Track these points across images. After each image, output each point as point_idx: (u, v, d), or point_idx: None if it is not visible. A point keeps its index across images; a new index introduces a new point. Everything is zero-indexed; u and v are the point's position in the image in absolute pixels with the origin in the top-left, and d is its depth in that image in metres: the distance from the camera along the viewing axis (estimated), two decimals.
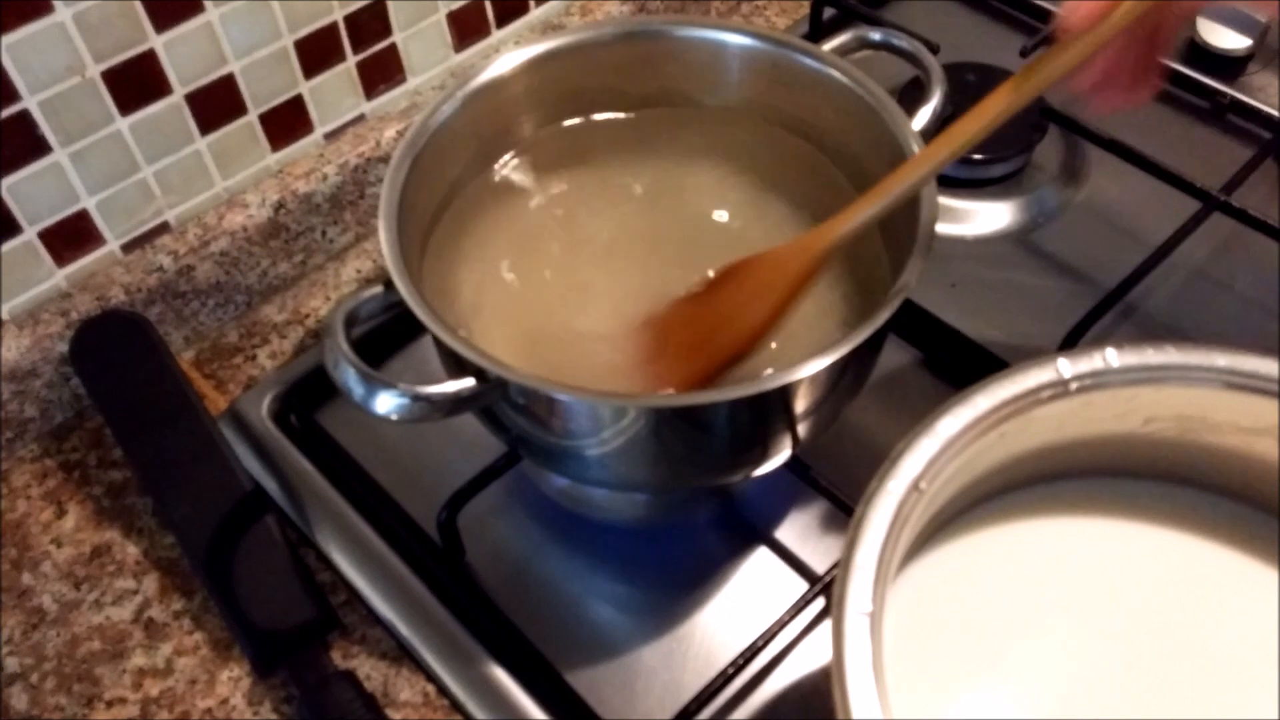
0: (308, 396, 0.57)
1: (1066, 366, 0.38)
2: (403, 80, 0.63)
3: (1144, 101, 0.41)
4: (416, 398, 0.40)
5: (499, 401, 0.43)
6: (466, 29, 0.64)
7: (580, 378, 0.47)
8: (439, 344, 0.43)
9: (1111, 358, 0.38)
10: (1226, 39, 0.68)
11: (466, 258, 0.51)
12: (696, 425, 0.43)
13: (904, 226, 0.46)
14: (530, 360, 0.47)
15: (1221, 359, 0.38)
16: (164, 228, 0.57)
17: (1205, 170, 0.61)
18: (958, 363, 0.56)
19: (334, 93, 0.60)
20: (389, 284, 0.43)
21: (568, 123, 0.54)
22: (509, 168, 0.53)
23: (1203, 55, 0.69)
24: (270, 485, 0.53)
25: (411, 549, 0.51)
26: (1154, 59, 0.40)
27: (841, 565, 0.34)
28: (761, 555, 0.51)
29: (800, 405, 0.43)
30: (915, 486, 0.36)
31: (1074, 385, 0.38)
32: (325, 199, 0.61)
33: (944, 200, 0.63)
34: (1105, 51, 0.38)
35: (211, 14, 0.53)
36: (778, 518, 0.52)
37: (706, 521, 0.53)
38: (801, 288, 0.44)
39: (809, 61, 0.50)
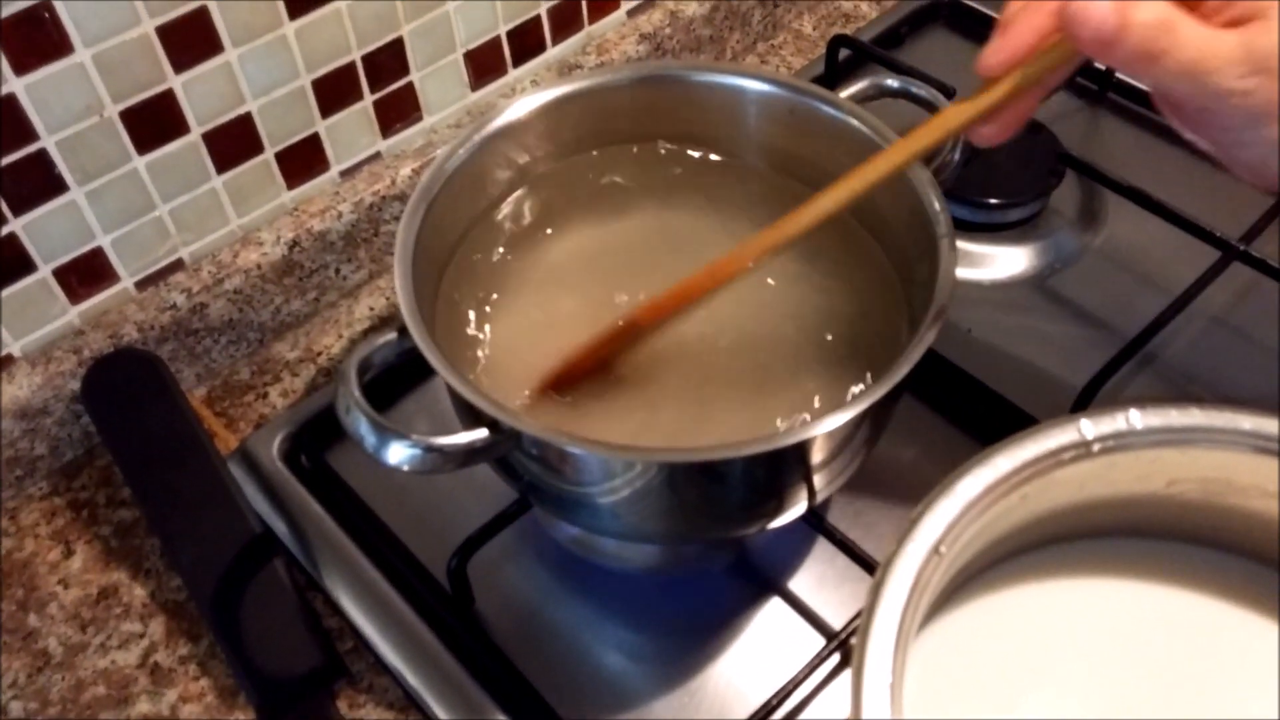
0: (319, 436, 0.56)
1: (1089, 427, 0.38)
2: (419, 118, 0.63)
3: (1004, 140, 0.42)
4: (429, 449, 0.40)
5: (513, 451, 0.42)
6: (483, 68, 0.64)
7: (595, 419, 0.46)
8: (452, 392, 0.43)
9: (1135, 419, 0.38)
10: None
11: (482, 298, 0.51)
12: (711, 479, 0.42)
13: (923, 277, 0.46)
14: (544, 402, 0.47)
15: (1247, 422, 0.38)
16: (178, 265, 0.57)
17: (1223, 216, 0.60)
18: (974, 410, 0.56)
19: (350, 131, 0.60)
20: (403, 330, 0.43)
21: (583, 167, 0.54)
22: (525, 209, 0.53)
23: None
24: (279, 527, 0.53)
25: (420, 595, 0.51)
26: (1035, 103, 0.42)
27: (860, 632, 0.33)
28: (775, 606, 0.51)
29: (817, 459, 0.43)
30: (935, 550, 0.35)
31: (1096, 446, 0.38)
32: (340, 236, 0.61)
33: (960, 244, 0.63)
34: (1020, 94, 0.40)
35: (230, 54, 0.53)
36: (791, 568, 0.52)
37: (719, 570, 0.52)
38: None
39: (826, 109, 0.50)
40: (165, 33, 0.50)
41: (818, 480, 0.45)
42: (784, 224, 0.44)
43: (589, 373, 0.47)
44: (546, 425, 0.40)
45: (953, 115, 0.41)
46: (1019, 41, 0.39)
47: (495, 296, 0.51)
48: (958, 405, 0.57)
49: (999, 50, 0.39)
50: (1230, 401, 0.56)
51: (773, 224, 0.44)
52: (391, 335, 0.43)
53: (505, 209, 0.53)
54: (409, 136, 0.63)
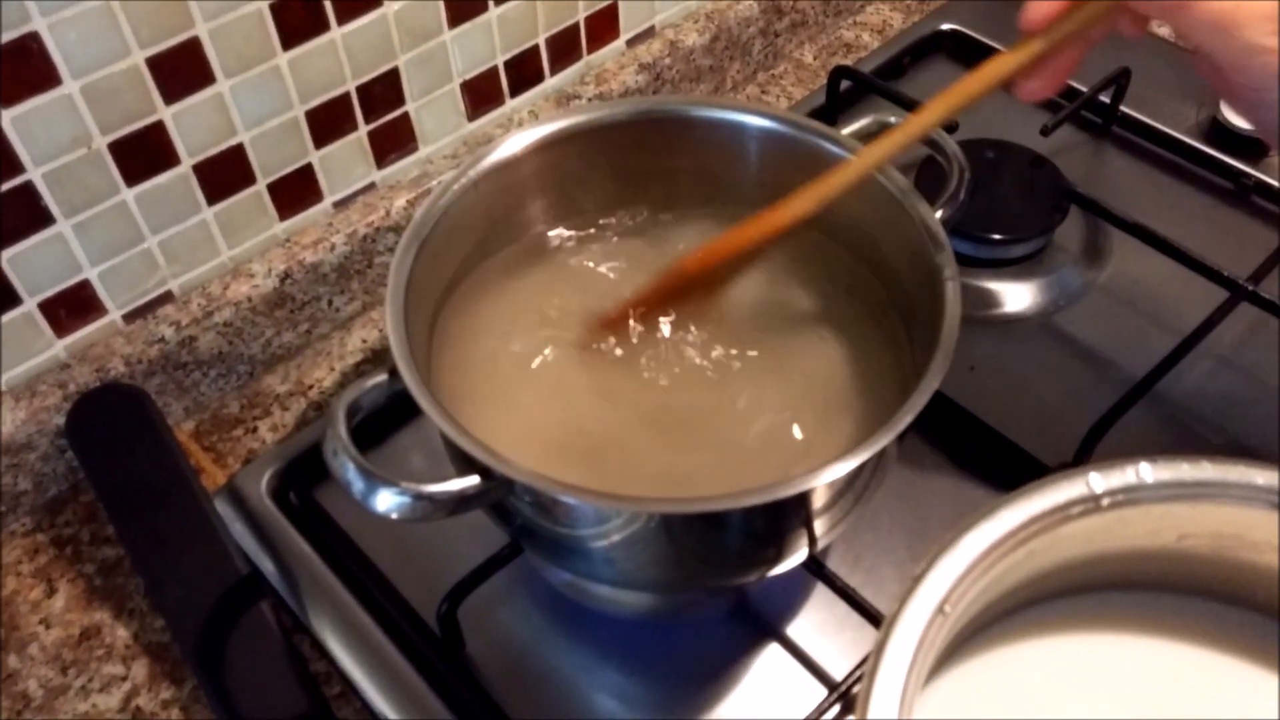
0: (308, 473, 0.55)
1: (1098, 481, 0.37)
2: (415, 149, 0.62)
3: (1049, 95, 0.43)
4: (419, 496, 0.39)
5: (506, 497, 0.41)
6: (480, 98, 0.63)
7: (591, 464, 0.45)
8: (445, 436, 0.42)
9: (1145, 473, 0.37)
10: None
11: (477, 336, 0.50)
12: (709, 528, 0.41)
13: (925, 316, 0.45)
14: (537, 445, 0.46)
15: (1260, 476, 0.37)
16: (167, 297, 0.56)
17: (1230, 254, 0.59)
18: (976, 450, 0.55)
19: (344, 162, 0.59)
20: (394, 372, 0.42)
21: (582, 208, 0.53)
22: (521, 248, 0.52)
23: (1225, 135, 0.68)
24: (266, 566, 0.52)
25: (410, 639, 0.49)
26: (1075, 61, 0.42)
27: (861, 697, 0.32)
28: (773, 652, 0.50)
29: (818, 507, 0.42)
30: (940, 610, 0.34)
31: (1105, 501, 0.36)
32: (333, 268, 0.60)
33: (963, 280, 0.62)
34: (1061, 48, 0.40)
35: (222, 85, 0.52)
36: (791, 613, 0.51)
37: (716, 615, 0.51)
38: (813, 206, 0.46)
39: (828, 146, 0.49)
40: (155, 64, 0.49)
41: (819, 527, 0.44)
42: (829, 178, 0.45)
43: (641, 316, 0.49)
44: (539, 474, 0.39)
45: (997, 66, 0.41)
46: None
47: (494, 334, 0.50)
48: (959, 445, 0.56)
49: (1039, 5, 0.39)
50: (1238, 444, 0.55)
51: (816, 180, 0.45)
52: (382, 377, 0.42)
53: (503, 247, 0.52)
54: (404, 167, 0.62)
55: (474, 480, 0.39)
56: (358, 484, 0.39)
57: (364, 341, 0.62)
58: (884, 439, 0.39)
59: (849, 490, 0.43)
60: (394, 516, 0.39)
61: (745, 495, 0.38)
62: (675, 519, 0.39)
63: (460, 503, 0.39)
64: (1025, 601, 0.41)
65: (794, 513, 0.41)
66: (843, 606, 0.49)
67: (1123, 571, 0.40)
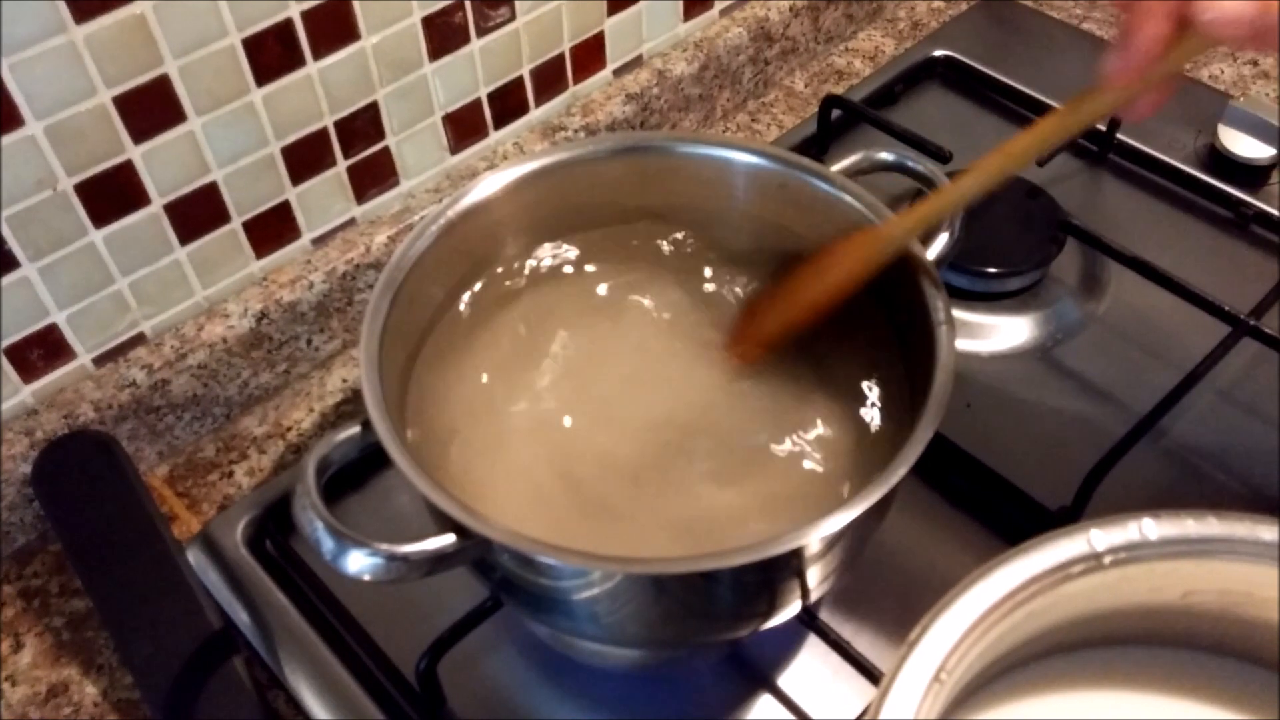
0: (285, 520, 0.53)
1: (1100, 538, 0.35)
2: (396, 183, 0.61)
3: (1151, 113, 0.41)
4: (392, 557, 0.37)
5: (485, 554, 0.40)
6: (464, 130, 0.62)
7: (581, 511, 0.44)
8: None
9: (1149, 529, 0.35)
10: (1249, 148, 0.66)
11: (459, 376, 0.48)
12: (698, 585, 0.40)
13: (921, 355, 0.44)
14: (525, 491, 0.44)
15: (1268, 533, 0.35)
16: (139, 339, 0.55)
17: (1231, 285, 0.58)
18: (972, 490, 0.53)
19: (323, 198, 0.58)
20: (367, 424, 0.40)
21: (562, 245, 0.52)
22: (503, 286, 0.51)
23: (1224, 163, 0.67)
24: (241, 618, 0.50)
25: (389, 695, 0.48)
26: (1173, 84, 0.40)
27: None
28: (765, 704, 0.48)
29: (810, 561, 0.40)
30: (936, 678, 0.32)
31: (1107, 559, 0.35)
32: (311, 307, 0.58)
33: (958, 314, 0.61)
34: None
35: (194, 123, 0.50)
36: (783, 662, 0.49)
37: (707, 665, 0.49)
38: (858, 276, 0.46)
39: (819, 183, 0.48)
40: (123, 102, 0.47)
41: (811, 580, 0.42)
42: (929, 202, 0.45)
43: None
44: (517, 533, 0.37)
45: (1091, 107, 0.41)
46: (1142, 52, 0.38)
47: (473, 378, 0.48)
48: (955, 485, 0.54)
49: (1125, 63, 0.38)
50: (1242, 483, 0.54)
51: (913, 208, 0.45)
52: (354, 429, 0.41)
53: (484, 281, 0.51)
54: (385, 202, 0.61)
55: (450, 539, 0.38)
56: (327, 544, 0.37)
57: (344, 381, 0.60)
58: (877, 493, 0.37)
59: (843, 540, 0.41)
60: (366, 578, 0.37)
61: (733, 554, 0.36)
62: (662, 575, 0.38)
63: (437, 562, 0.38)
64: (1025, 659, 0.39)
65: (786, 568, 0.40)
66: (836, 657, 0.48)
67: (1126, 628, 0.39)
